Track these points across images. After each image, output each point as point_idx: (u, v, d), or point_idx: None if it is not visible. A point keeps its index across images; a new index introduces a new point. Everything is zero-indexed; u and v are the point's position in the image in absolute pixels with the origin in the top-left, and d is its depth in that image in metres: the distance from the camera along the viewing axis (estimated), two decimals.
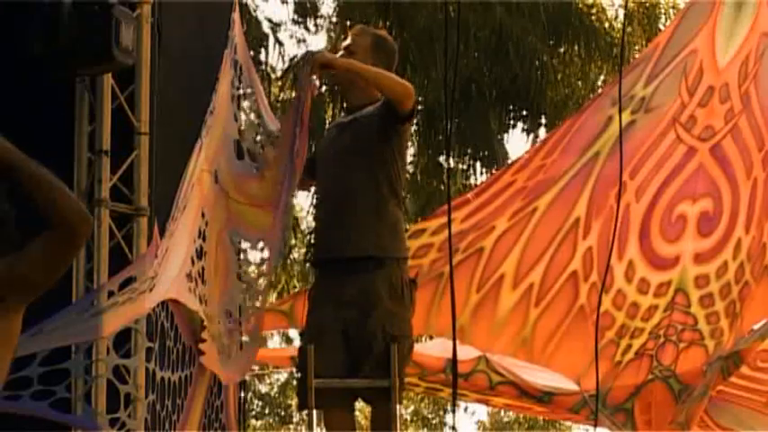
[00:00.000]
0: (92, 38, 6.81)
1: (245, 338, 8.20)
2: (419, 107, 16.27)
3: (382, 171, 8.51)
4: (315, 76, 8.47)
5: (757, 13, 11.73)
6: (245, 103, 8.16)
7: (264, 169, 8.09)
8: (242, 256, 8.44)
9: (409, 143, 15.17)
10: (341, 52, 8.74)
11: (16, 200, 5.52)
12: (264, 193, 8.05)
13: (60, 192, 5.68)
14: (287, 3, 17.78)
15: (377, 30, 10.07)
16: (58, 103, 7.12)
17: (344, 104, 9.16)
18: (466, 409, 25.19)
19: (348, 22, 16.29)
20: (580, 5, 17.07)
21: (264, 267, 8.56)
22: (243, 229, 8.11)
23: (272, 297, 14.88)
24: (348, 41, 8.83)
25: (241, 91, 7.96)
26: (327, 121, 14.93)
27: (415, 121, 10.59)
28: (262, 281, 8.51)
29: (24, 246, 5.55)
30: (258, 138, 8.05)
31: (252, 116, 8.11)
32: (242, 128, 7.98)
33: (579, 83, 17.06)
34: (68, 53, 6.88)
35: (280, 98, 17.22)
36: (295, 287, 15.23)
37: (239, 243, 8.15)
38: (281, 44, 17.75)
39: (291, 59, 17.61)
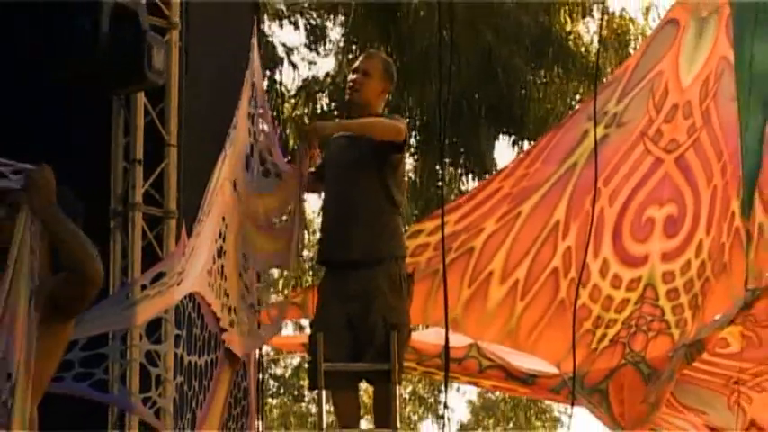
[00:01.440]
0: (127, 60, 6.80)
1: (266, 324, 8.22)
2: (416, 120, 16.35)
3: (382, 184, 8.56)
4: (312, 145, 8.59)
5: (716, 38, 11.73)
6: (259, 122, 8.18)
7: (266, 194, 8.13)
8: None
9: (408, 155, 15.23)
10: (358, 74, 8.83)
11: None
12: (265, 215, 8.11)
13: (79, 245, 5.65)
14: (299, 29, 17.82)
15: (384, 55, 10.13)
16: (98, 119, 7.12)
17: (351, 119, 9.16)
18: (458, 390, 25.21)
19: (354, 47, 16.27)
20: (559, 32, 17.01)
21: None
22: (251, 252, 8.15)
23: (287, 291, 14.89)
24: (364, 65, 8.91)
25: (257, 110, 7.98)
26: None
27: (410, 142, 10.59)
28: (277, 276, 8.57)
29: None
30: (264, 158, 8.07)
31: (261, 137, 8.13)
32: (254, 145, 7.99)
33: (558, 101, 17.01)
34: (106, 74, 6.87)
35: (293, 115, 17.22)
36: (308, 281, 15.20)
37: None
38: (294, 66, 17.78)
39: (304, 80, 17.67)
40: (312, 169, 8.71)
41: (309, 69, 18.11)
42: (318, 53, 18.03)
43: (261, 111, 8.24)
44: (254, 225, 7.94)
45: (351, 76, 9.02)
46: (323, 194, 8.95)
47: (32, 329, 5.25)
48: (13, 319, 5.22)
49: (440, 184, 16.02)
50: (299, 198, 8.74)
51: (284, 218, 8.64)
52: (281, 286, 16.47)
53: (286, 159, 8.71)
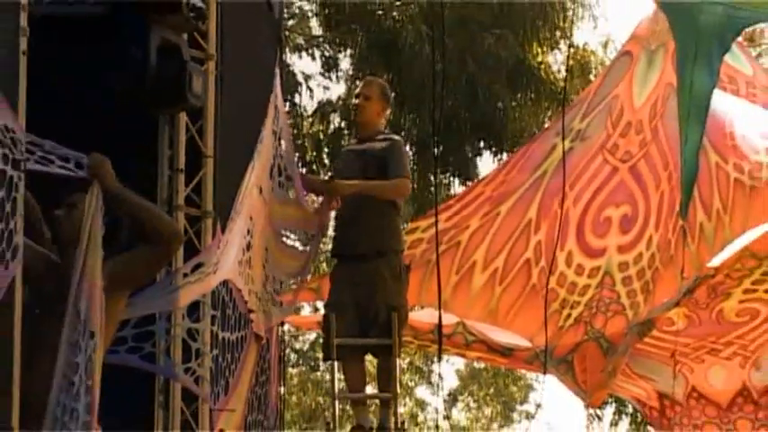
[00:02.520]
0: (171, 86, 6.79)
1: (284, 306, 8.23)
2: (411, 137, 16.35)
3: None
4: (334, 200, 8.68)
5: (663, 68, 11.72)
6: (280, 138, 8.20)
7: (284, 203, 8.16)
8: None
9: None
10: (360, 99, 8.90)
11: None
12: (282, 220, 8.15)
13: (154, 214, 5.71)
14: (315, 60, 17.81)
15: (381, 81, 10.15)
16: (146, 134, 7.11)
17: (357, 135, 9.21)
18: (447, 360, 25.16)
19: (360, 75, 16.27)
20: (532, 63, 16.98)
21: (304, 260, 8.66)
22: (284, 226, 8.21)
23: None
24: (364, 90, 8.99)
25: (279, 128, 7.99)
26: (345, 143, 14.97)
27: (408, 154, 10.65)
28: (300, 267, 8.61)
29: (130, 248, 5.57)
30: (283, 170, 8.09)
31: (281, 151, 8.15)
32: (276, 157, 8.01)
33: (531, 120, 16.98)
34: (154, 97, 6.87)
35: (309, 131, 17.22)
36: (324, 270, 15.19)
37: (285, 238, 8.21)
38: (310, 90, 17.78)
39: (319, 102, 17.70)
40: (327, 177, 8.77)
41: (324, 93, 18.12)
42: (331, 80, 18.03)
43: (282, 128, 8.26)
44: (273, 228, 7.95)
45: (354, 101, 9.10)
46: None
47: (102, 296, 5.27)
48: (91, 285, 5.22)
49: (432, 188, 16.04)
50: (319, 234, 8.84)
51: (306, 247, 8.75)
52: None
53: (302, 170, 8.75)
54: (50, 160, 5.35)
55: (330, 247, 9.51)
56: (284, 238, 8.53)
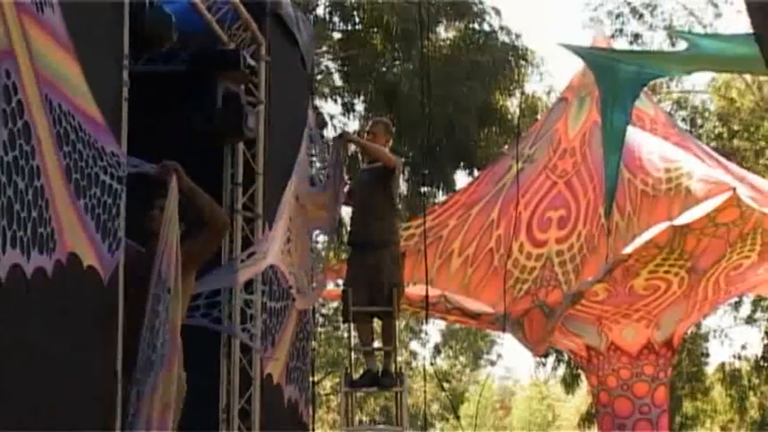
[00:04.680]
0: (232, 123, 6.80)
1: (314, 284, 8.21)
2: (407, 160, 16.35)
3: (386, 197, 8.59)
4: (345, 146, 8.69)
5: (590, 109, 11.74)
6: (313, 159, 8.21)
7: (322, 193, 8.16)
8: (313, 243, 8.48)
9: (402, 180, 15.28)
10: (368, 136, 8.96)
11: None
12: (324, 202, 8.13)
13: (214, 207, 5.71)
14: (337, 103, 17.84)
15: (385, 120, 10.14)
16: (214, 158, 7.09)
17: (365, 159, 9.24)
18: (433, 323, 25.15)
19: (371, 114, 16.27)
20: (495, 105, 17.02)
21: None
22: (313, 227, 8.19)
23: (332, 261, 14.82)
24: (370, 129, 9.08)
25: (312, 152, 8.00)
26: (360, 166, 15.00)
27: (404, 171, 10.63)
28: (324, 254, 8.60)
29: (190, 235, 5.57)
30: (314, 181, 8.12)
31: (315, 167, 8.16)
32: (312, 171, 8.02)
33: (495, 147, 17.01)
34: (220, 131, 6.87)
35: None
36: (343, 256, 15.20)
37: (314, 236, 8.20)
38: (334, 126, 17.84)
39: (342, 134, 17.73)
40: (347, 189, 8.76)
41: (344, 128, 18.18)
42: (349, 118, 18.04)
43: (315, 152, 8.30)
44: (306, 226, 7.94)
45: (365, 137, 9.14)
46: (352, 204, 8.97)
47: (179, 261, 5.26)
48: (169, 255, 5.20)
49: (422, 197, 16.04)
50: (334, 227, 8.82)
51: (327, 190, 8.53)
52: (328, 260, 16.65)
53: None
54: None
55: (347, 239, 9.53)
56: (314, 234, 8.52)
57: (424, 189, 16.07)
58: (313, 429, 9.02)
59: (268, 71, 7.36)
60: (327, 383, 24.30)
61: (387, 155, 8.63)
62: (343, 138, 8.80)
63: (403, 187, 16.43)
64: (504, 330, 12.33)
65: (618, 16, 21.35)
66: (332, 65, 17.86)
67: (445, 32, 17.50)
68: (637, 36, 21.12)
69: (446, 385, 28.81)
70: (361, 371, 8.84)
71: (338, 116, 18.05)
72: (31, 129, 4.15)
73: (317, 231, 8.83)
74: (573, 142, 11.98)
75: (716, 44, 7.58)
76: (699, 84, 21.41)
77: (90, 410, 4.73)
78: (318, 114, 16.36)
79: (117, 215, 5.04)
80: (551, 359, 21.07)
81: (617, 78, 7.80)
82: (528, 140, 12.39)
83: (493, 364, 34.05)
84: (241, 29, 7.15)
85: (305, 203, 7.73)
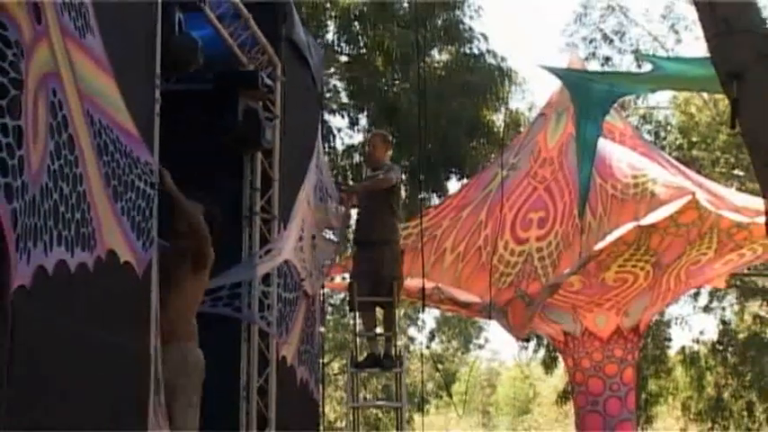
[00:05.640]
0: (251, 135, 6.81)
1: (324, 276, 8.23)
2: (405, 168, 16.35)
3: (388, 202, 8.59)
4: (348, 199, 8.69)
5: (567, 123, 11.72)
6: (322, 169, 8.21)
7: (325, 210, 8.18)
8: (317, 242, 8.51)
9: (402, 186, 15.25)
10: (368, 148, 8.97)
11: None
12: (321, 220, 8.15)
13: (189, 210, 5.57)
14: (344, 118, 17.82)
15: (383, 132, 10.13)
16: (235, 166, 7.10)
17: (368, 168, 9.24)
18: (429, 312, 25.14)
19: (373, 128, 16.26)
20: (483, 119, 16.99)
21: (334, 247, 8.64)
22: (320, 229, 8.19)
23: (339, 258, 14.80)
24: (369, 141, 9.16)
25: (320, 162, 8.00)
26: (364, 174, 15.02)
27: (402, 178, 10.60)
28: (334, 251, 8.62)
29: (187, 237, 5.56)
30: (323, 189, 8.11)
31: (324, 175, 8.16)
32: (320, 180, 8.02)
33: (482, 156, 16.99)
34: (240, 143, 6.88)
35: (340, 165, 17.21)
36: (351, 250, 15.21)
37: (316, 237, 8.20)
38: (341, 138, 17.86)
39: (347, 146, 17.71)
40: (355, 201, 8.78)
41: (349, 140, 18.16)
42: (354, 132, 18.06)
43: (323, 161, 8.29)
44: (317, 227, 7.94)
45: (366, 148, 9.16)
46: (358, 206, 8.97)
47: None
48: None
49: (418, 201, 16.03)
50: (343, 227, 8.88)
51: (336, 239, 8.64)
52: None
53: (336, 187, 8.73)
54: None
55: (353, 237, 9.53)
56: (324, 234, 8.51)
57: (420, 194, 16.06)
58: (322, 405, 9.02)
59: (283, 90, 7.37)
60: (335, 365, 24.28)
61: (384, 182, 8.54)
62: (348, 189, 8.88)
63: (402, 192, 16.45)
64: (490, 318, 12.33)
65: (591, 41, 21.39)
66: (339, 84, 17.86)
67: (439, 56, 17.47)
68: (607, 59, 21.13)
69: (440, 366, 28.80)
70: (365, 354, 8.84)
71: (345, 129, 18.07)
72: (74, 140, 4.16)
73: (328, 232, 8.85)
74: (551, 152, 11.97)
75: (677, 66, 7.60)
76: (662, 101, 21.39)
77: (127, 388, 4.74)
78: (327, 128, 16.39)
79: (150, 216, 5.04)
80: (532, 343, 21.09)
81: (590, 96, 7.82)
82: (512, 151, 12.38)
83: (481, 347, 34.06)
84: (259, 52, 7.16)
85: (315, 207, 7.74)
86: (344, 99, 17.94)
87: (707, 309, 21.33)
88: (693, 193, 11.12)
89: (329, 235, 8.63)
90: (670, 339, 21.35)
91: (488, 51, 17.25)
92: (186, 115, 6.39)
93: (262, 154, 7.17)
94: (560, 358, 15.11)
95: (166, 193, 5.33)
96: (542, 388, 36.84)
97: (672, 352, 21.56)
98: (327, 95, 16.92)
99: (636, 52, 21.01)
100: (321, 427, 8.70)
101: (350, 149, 17.61)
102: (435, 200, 16.65)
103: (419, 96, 13.75)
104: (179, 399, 5.24)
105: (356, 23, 16.72)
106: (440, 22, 16.65)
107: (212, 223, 5.61)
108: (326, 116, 16.60)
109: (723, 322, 21.09)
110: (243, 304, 6.84)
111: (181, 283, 5.39)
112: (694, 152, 20.07)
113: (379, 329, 9.14)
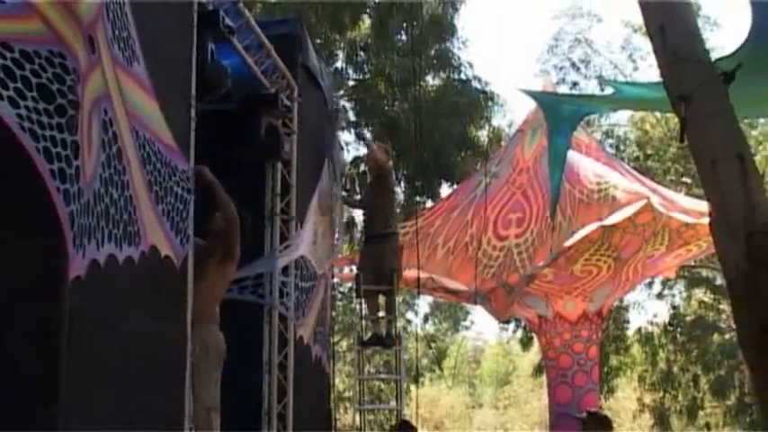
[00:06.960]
0: (272, 147, 6.80)
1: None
2: (404, 175, 16.33)
3: (387, 204, 8.59)
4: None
5: (540, 137, 11.75)
6: (334, 177, 8.19)
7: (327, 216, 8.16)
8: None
9: (400, 191, 15.24)
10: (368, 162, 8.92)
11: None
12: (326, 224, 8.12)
13: (227, 200, 5.53)
14: (351, 133, 17.83)
15: (384, 145, 10.13)
16: (258, 174, 7.09)
17: (371, 175, 9.23)
18: (423, 298, 25.09)
19: (376, 142, 16.22)
20: (470, 134, 16.96)
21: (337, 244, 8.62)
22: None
23: (347, 251, 14.78)
24: (367, 155, 9.02)
25: (333, 171, 7.98)
26: (368, 179, 14.97)
27: (400, 184, 10.59)
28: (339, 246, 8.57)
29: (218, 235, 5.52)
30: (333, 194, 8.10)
31: (333, 185, 8.14)
32: (331, 186, 8.00)
33: (469, 167, 16.96)
34: (263, 154, 6.87)
35: (348, 173, 17.19)
36: (358, 246, 15.21)
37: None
38: (348, 151, 17.85)
39: (354, 157, 17.73)
40: (358, 197, 8.74)
41: (356, 152, 18.16)
42: (360, 145, 18.05)
43: (342, 163, 8.30)
44: (330, 228, 7.92)
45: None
46: (363, 209, 8.95)
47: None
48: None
49: (415, 204, 16.03)
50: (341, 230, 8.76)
51: (337, 240, 8.43)
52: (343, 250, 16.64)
53: (343, 193, 8.70)
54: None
55: (361, 233, 9.52)
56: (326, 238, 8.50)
57: (416, 198, 16.06)
58: (333, 378, 9.02)
59: (299, 109, 7.37)
60: (344, 343, 24.25)
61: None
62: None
63: (400, 196, 16.42)
64: (476, 303, 12.34)
65: (561, 68, 21.50)
66: (347, 104, 17.85)
67: (432, 80, 17.45)
68: (575, 83, 21.20)
69: (433, 345, 28.77)
70: (370, 334, 8.84)
71: (352, 143, 18.08)
72: (122, 152, 4.16)
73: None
74: (528, 162, 11.99)
75: (634, 90, 7.59)
76: (621, 119, 21.44)
77: (167, 366, 4.74)
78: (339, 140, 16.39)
79: (186, 217, 5.03)
80: (512, 325, 21.09)
81: (560, 114, 7.82)
82: (494, 161, 12.40)
83: (468, 328, 34.04)
84: (279, 77, 7.16)
85: (324, 210, 7.73)
86: (352, 116, 17.94)
87: (660, 295, 21.37)
88: (648, 198, 11.15)
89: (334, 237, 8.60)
90: (628, 321, 21.39)
91: (474, 77, 17.25)
92: (217, 131, 6.39)
93: (281, 164, 7.17)
94: (535, 338, 15.12)
95: (205, 191, 5.30)
96: (520, 363, 36.83)
97: (630, 332, 21.59)
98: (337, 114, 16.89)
99: (599, 78, 21.07)
100: (332, 397, 8.70)
101: (356, 160, 17.61)
102: (429, 203, 16.64)
103: (415, 115, 13.79)
104: (202, 375, 5.22)
105: (362, 53, 16.73)
106: (433, 51, 16.65)
107: (243, 227, 5.60)
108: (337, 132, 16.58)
109: (673, 307, 21.14)
110: (265, 292, 6.82)
111: (207, 274, 5.38)
112: (649, 163, 20.11)
113: (381, 313, 9.16)
